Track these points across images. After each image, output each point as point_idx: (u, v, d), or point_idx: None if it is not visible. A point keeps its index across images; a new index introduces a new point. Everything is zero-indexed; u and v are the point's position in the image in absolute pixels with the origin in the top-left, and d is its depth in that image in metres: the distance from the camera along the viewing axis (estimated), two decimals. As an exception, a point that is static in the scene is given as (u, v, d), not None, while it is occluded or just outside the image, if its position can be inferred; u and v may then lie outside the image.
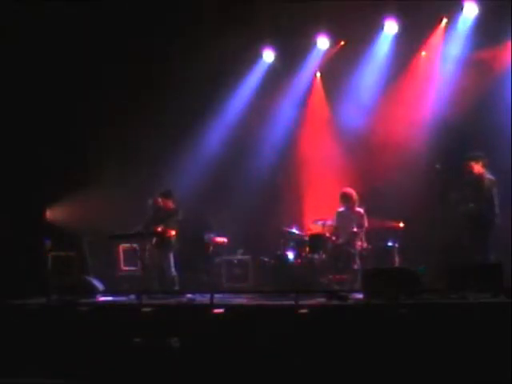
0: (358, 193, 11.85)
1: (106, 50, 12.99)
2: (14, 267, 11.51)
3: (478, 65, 12.09)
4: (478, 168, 10.71)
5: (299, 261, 11.63)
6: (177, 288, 11.50)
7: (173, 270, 11.63)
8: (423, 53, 12.75)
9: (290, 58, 13.50)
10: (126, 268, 12.80)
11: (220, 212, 13.05)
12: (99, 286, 11.33)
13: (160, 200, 11.85)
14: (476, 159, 10.71)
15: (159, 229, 11.62)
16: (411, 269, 9.90)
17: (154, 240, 11.73)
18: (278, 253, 11.89)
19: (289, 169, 13.44)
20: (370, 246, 11.58)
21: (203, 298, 10.04)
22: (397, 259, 11.31)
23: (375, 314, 8.50)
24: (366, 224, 11.72)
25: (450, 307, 8.37)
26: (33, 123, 12.83)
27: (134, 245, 12.34)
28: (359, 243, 11.55)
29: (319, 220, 12.04)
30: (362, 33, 12.71)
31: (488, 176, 10.67)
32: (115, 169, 13.59)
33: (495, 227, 10.49)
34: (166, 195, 11.88)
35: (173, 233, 11.66)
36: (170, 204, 11.86)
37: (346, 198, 11.82)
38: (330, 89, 13.56)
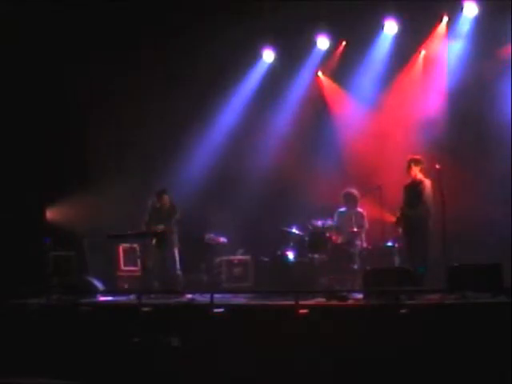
0: (358, 191, 11.86)
1: (106, 50, 13.00)
2: (14, 267, 11.51)
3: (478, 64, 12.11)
4: (416, 172, 10.75)
5: (299, 261, 11.63)
6: (180, 287, 11.50)
7: (178, 268, 11.64)
8: (423, 52, 12.75)
9: (290, 58, 13.50)
10: (126, 268, 12.79)
11: (220, 212, 13.04)
12: (99, 285, 11.33)
13: (159, 199, 11.85)
14: (415, 163, 10.76)
15: (160, 229, 11.63)
16: (411, 269, 9.90)
17: (155, 240, 11.72)
18: (278, 253, 11.89)
19: (289, 169, 13.41)
20: (369, 246, 11.58)
21: (203, 298, 10.04)
22: (397, 259, 11.30)
23: (375, 313, 8.50)
24: (367, 224, 11.73)
25: (450, 307, 8.38)
26: (33, 123, 12.83)
27: (134, 245, 12.35)
28: (359, 243, 11.55)
29: (319, 220, 12.04)
30: (362, 33, 12.71)
31: (424, 180, 10.70)
32: (115, 169, 13.58)
33: (430, 228, 10.51)
34: (161, 193, 11.88)
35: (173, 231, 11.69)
36: (167, 202, 11.86)
37: (349, 198, 11.82)
38: (330, 88, 13.56)
